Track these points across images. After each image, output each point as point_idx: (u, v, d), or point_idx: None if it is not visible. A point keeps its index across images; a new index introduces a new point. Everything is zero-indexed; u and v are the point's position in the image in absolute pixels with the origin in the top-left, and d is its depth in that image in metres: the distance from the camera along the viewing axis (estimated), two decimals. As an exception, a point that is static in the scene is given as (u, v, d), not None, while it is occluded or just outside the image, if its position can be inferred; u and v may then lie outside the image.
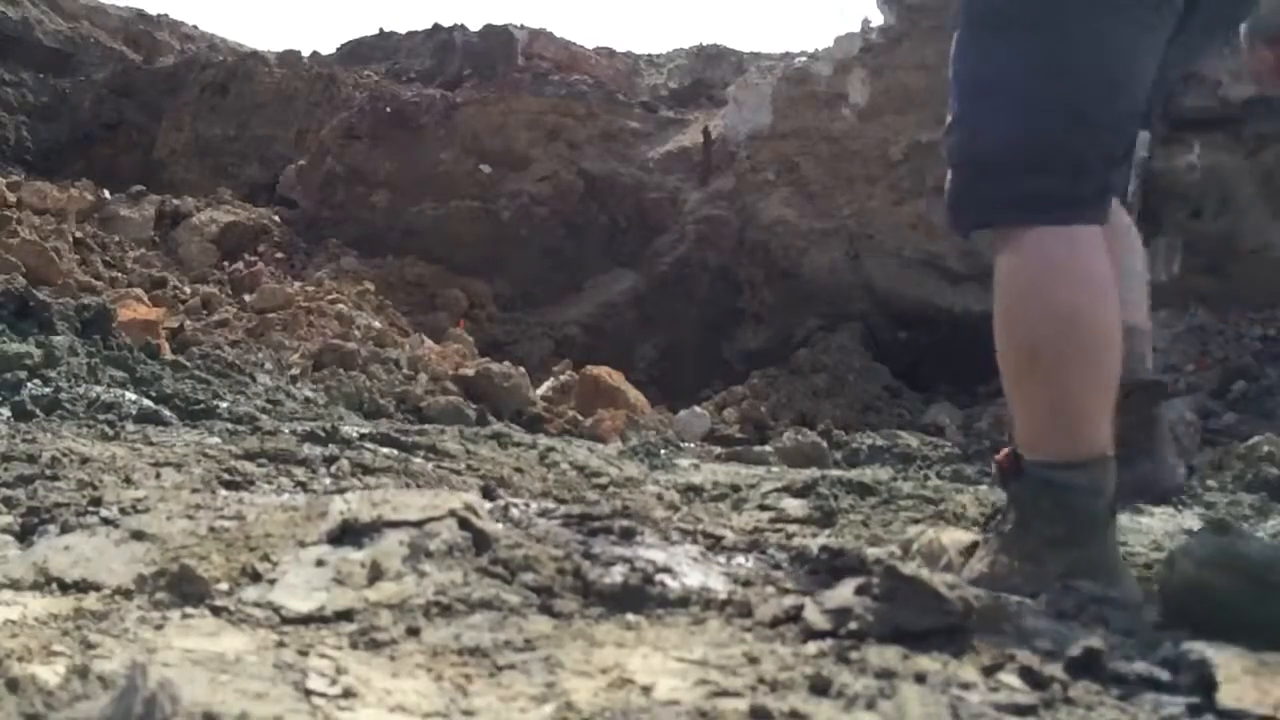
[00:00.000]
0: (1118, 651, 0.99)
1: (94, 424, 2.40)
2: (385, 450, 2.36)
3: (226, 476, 1.87)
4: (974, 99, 1.66)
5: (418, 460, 2.38)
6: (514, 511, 1.47)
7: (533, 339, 7.33)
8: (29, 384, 2.67)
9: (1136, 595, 1.36)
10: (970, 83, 1.68)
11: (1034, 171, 1.53)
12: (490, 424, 4.24)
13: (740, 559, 1.42)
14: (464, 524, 1.27)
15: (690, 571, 1.24)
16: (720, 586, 1.20)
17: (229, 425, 2.63)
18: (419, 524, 1.27)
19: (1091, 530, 1.45)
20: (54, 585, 1.18)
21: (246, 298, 6.27)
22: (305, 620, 1.08)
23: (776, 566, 1.40)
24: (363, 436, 2.38)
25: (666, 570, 1.21)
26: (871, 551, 1.47)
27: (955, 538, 1.70)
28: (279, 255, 7.62)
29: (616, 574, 1.18)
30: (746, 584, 1.22)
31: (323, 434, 2.33)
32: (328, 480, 2.02)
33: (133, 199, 7.81)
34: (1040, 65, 1.55)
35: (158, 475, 1.81)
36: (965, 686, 0.91)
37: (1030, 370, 1.49)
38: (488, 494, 2.01)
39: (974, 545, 1.60)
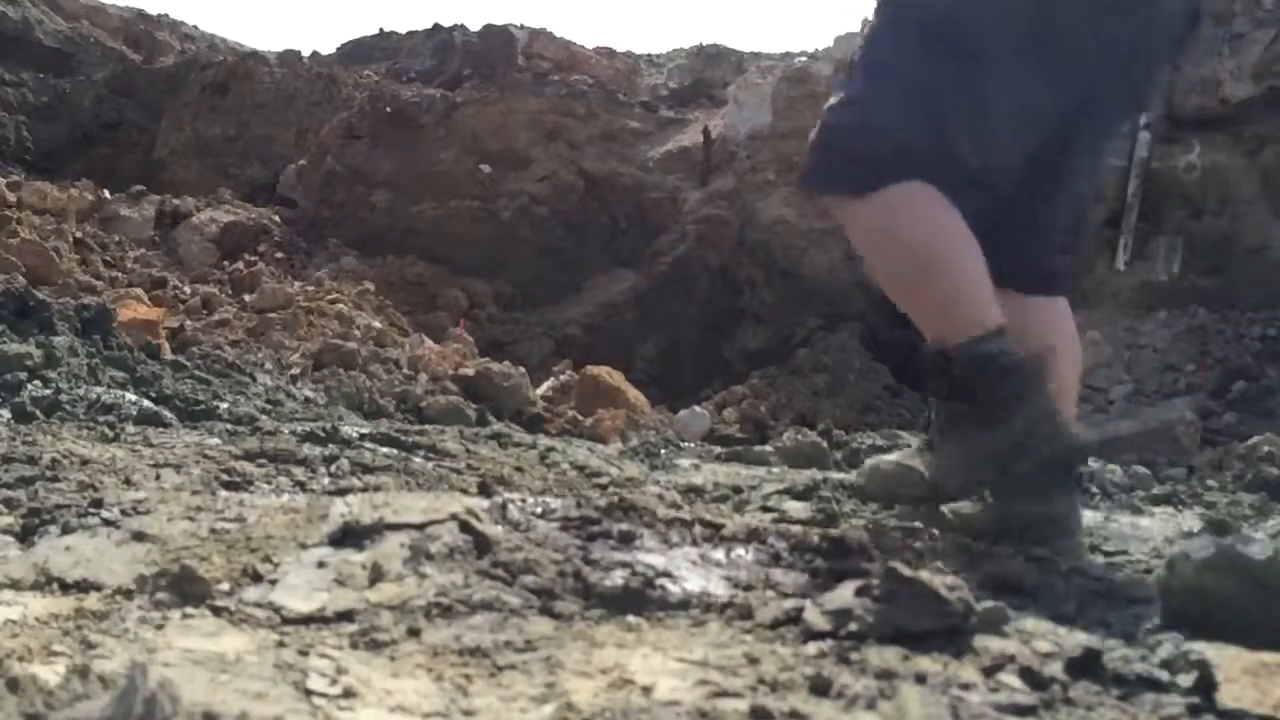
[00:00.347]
0: (1118, 652, 0.99)
1: (94, 425, 2.40)
2: (385, 450, 2.36)
3: (226, 477, 1.87)
4: (885, 94, 1.79)
5: (418, 460, 2.38)
6: (513, 513, 1.47)
7: (533, 339, 7.33)
8: (29, 385, 2.66)
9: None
10: (887, 76, 1.81)
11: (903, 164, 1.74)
12: (490, 424, 4.25)
13: (740, 551, 1.42)
14: (465, 527, 1.27)
15: (690, 575, 1.24)
16: (720, 590, 1.20)
17: (229, 426, 2.63)
18: (420, 526, 1.27)
19: (1038, 380, 1.70)
20: (55, 585, 1.18)
21: (246, 298, 6.28)
22: (306, 620, 1.08)
23: (776, 557, 1.40)
24: (363, 436, 2.38)
25: (666, 574, 1.21)
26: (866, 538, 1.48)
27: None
28: (279, 255, 7.63)
29: (617, 577, 1.18)
30: (747, 587, 1.22)
31: (322, 434, 2.33)
32: (327, 480, 2.02)
33: (133, 199, 7.82)
34: (962, 98, 1.72)
35: (158, 476, 1.81)
36: (965, 687, 0.91)
37: (925, 272, 1.74)
38: (485, 491, 2.01)
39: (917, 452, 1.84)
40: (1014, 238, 1.88)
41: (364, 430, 2.48)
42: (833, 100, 1.87)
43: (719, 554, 1.39)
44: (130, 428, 2.43)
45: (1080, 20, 1.72)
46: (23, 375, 2.75)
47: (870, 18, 1.94)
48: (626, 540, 1.36)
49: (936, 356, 1.74)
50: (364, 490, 1.87)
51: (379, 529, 1.27)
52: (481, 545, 1.25)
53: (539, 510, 1.50)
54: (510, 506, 1.51)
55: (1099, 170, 2.13)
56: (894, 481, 2.05)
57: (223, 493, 1.71)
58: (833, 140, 1.86)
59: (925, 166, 1.74)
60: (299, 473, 2.02)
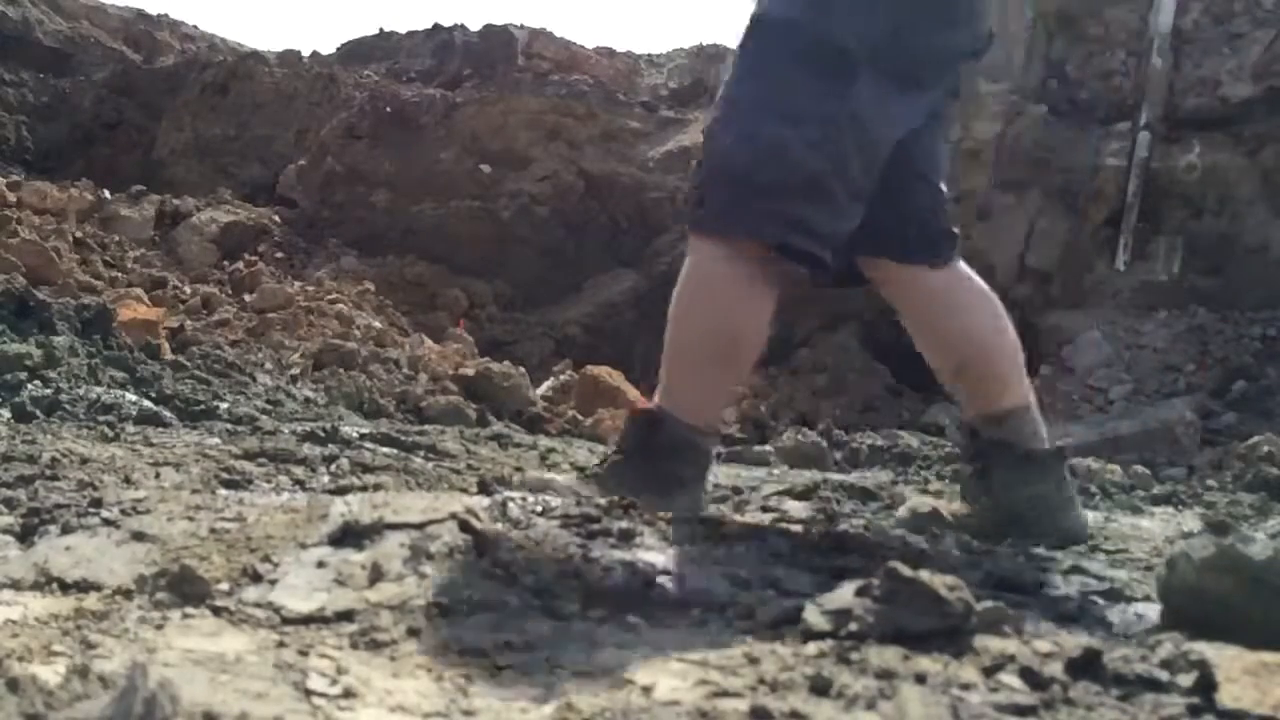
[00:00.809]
0: (1118, 652, 0.99)
1: (94, 425, 2.40)
2: (385, 450, 2.35)
3: (226, 476, 1.87)
4: (766, 123, 1.79)
5: (418, 460, 2.37)
6: (513, 511, 1.47)
7: (533, 339, 7.33)
8: (29, 385, 2.66)
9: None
10: (736, 105, 1.84)
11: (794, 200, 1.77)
12: (490, 424, 4.24)
13: (740, 549, 1.42)
14: (465, 526, 1.27)
15: (690, 573, 1.24)
16: (721, 589, 1.20)
17: (229, 426, 2.63)
18: (420, 526, 1.27)
19: (703, 477, 1.90)
20: (54, 585, 1.18)
21: (246, 298, 6.27)
22: (306, 620, 1.08)
23: (777, 555, 1.40)
24: (363, 436, 2.37)
25: (666, 573, 1.21)
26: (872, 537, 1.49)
27: None
28: (279, 255, 7.63)
29: (617, 576, 1.18)
30: (746, 585, 1.22)
31: (323, 434, 2.32)
32: (327, 479, 2.02)
33: (133, 199, 7.82)
34: (846, 120, 1.78)
35: (158, 475, 1.81)
36: (965, 687, 0.91)
37: (723, 359, 1.85)
38: (485, 489, 2.01)
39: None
40: (883, 215, 1.91)
41: (364, 430, 2.47)
42: (712, 130, 1.85)
43: (719, 552, 1.39)
44: (130, 427, 2.43)
45: (927, 35, 1.84)
46: (23, 375, 2.75)
47: (737, 59, 1.90)
48: (626, 538, 1.36)
49: (650, 415, 1.85)
50: (364, 490, 1.87)
51: (379, 528, 1.27)
52: (481, 545, 1.25)
53: (539, 509, 1.50)
54: (510, 505, 1.51)
55: (942, 148, 2.16)
56: None
57: (222, 492, 1.71)
58: (708, 171, 1.85)
59: (824, 194, 1.78)
60: (299, 472, 2.02)
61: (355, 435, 2.39)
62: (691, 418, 1.84)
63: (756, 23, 1.85)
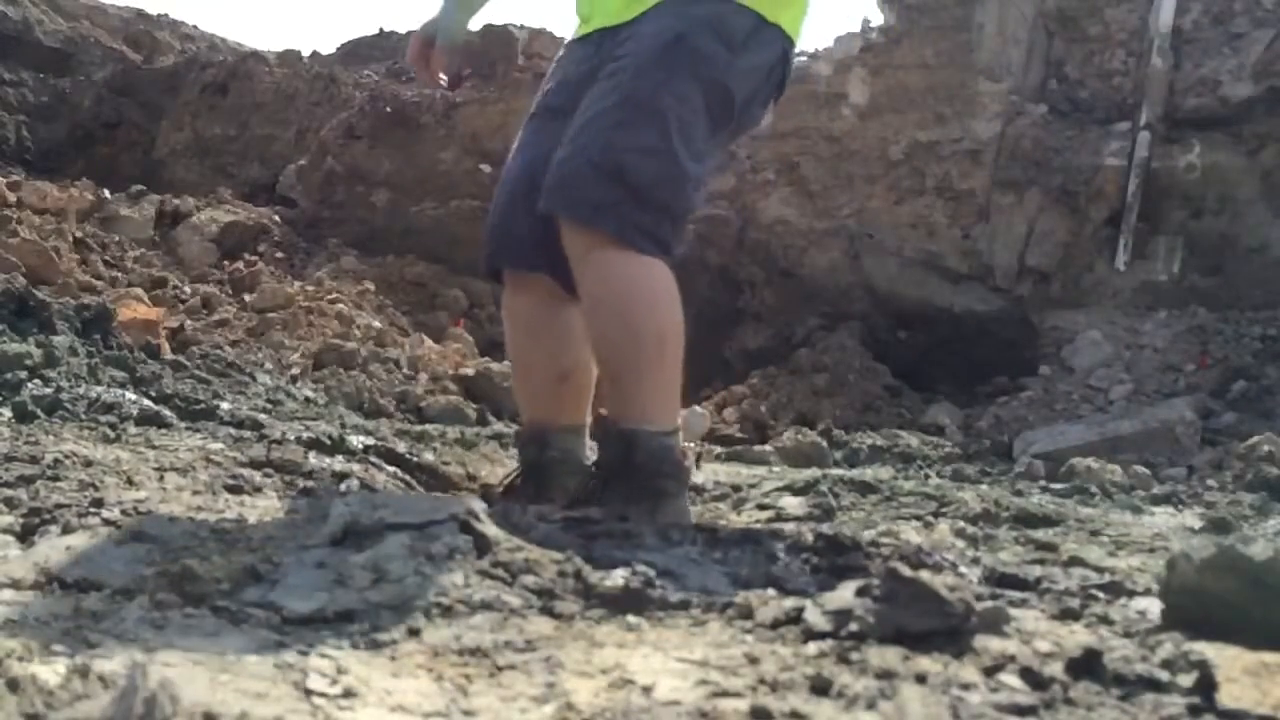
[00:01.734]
0: (1118, 652, 0.99)
1: (95, 426, 2.39)
2: (390, 469, 2.35)
3: (229, 480, 1.87)
4: (685, 158, 1.94)
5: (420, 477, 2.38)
6: (513, 513, 1.47)
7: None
8: (30, 384, 2.66)
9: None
10: (687, 138, 1.95)
11: (667, 215, 1.95)
12: (490, 424, 4.24)
13: (737, 552, 1.42)
14: (465, 527, 1.27)
15: (691, 574, 1.24)
16: (722, 589, 1.20)
17: (231, 431, 2.63)
18: (420, 527, 1.27)
19: (687, 482, 1.96)
20: (55, 585, 1.18)
21: (246, 297, 6.27)
22: (306, 620, 1.08)
23: (774, 558, 1.40)
24: (367, 449, 2.37)
25: (667, 574, 1.21)
26: (867, 534, 1.49)
27: None
28: (279, 255, 7.62)
29: (618, 577, 1.18)
30: (747, 585, 1.22)
31: (328, 441, 2.32)
32: (329, 480, 2.02)
33: (133, 199, 7.81)
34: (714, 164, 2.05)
35: (160, 478, 1.81)
36: (966, 687, 0.91)
37: (662, 354, 1.90)
38: (486, 497, 2.01)
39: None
40: None
41: (368, 443, 2.46)
42: (622, 138, 1.89)
43: (719, 553, 1.39)
44: (132, 428, 2.43)
45: (757, 110, 2.12)
46: (23, 374, 2.74)
47: (652, 63, 1.94)
48: (626, 539, 1.36)
49: (623, 435, 1.87)
50: (364, 490, 1.87)
51: (379, 529, 1.27)
52: (482, 545, 1.25)
53: (539, 512, 1.50)
54: (511, 508, 1.51)
55: None
56: None
57: (224, 495, 1.71)
58: (640, 186, 1.90)
59: (681, 226, 1.99)
60: (302, 483, 2.02)
61: (359, 447, 2.38)
62: (662, 423, 1.89)
63: (678, 40, 1.93)
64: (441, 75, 2.40)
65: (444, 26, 2.36)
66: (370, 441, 2.40)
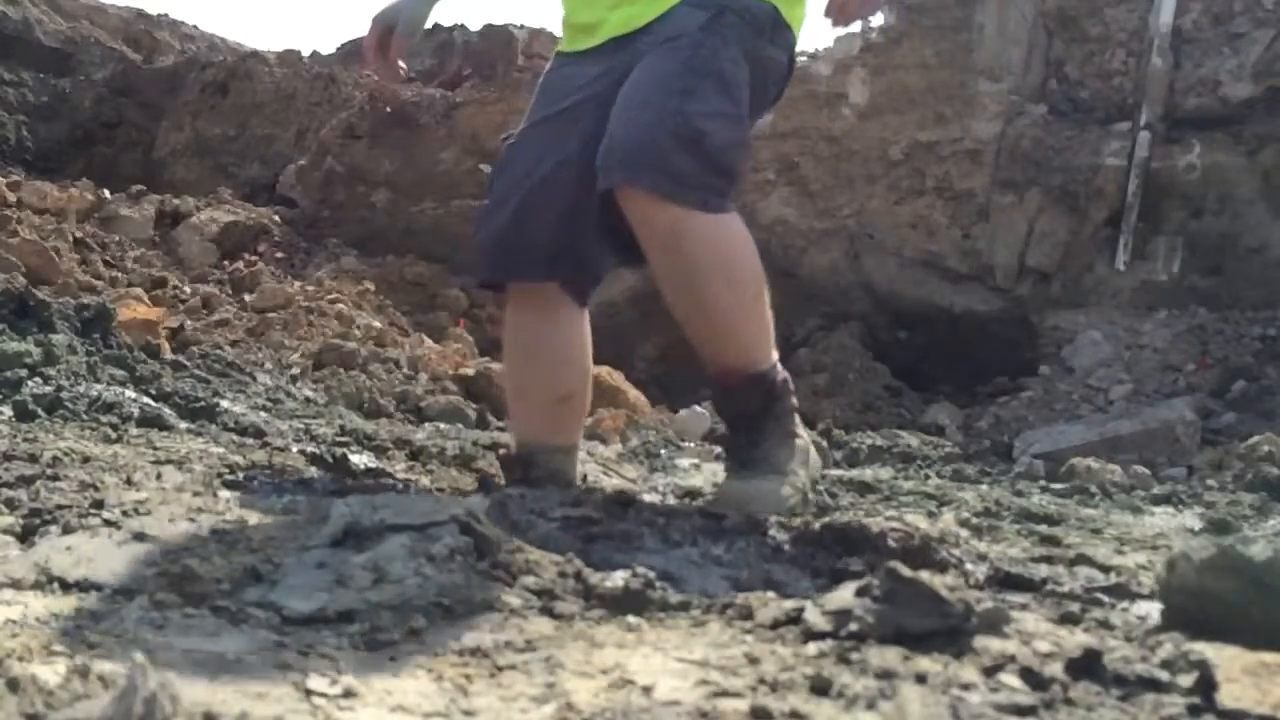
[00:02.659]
0: (1118, 652, 0.99)
1: (96, 425, 2.39)
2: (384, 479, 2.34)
3: (229, 476, 1.87)
4: (740, 119, 1.98)
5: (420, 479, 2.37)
6: (512, 512, 1.47)
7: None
8: (29, 382, 2.66)
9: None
10: (738, 102, 1.98)
11: (733, 179, 2.02)
12: (490, 424, 4.24)
13: (742, 544, 1.42)
14: (465, 528, 1.27)
15: (691, 576, 1.24)
16: (721, 591, 1.20)
17: (234, 436, 2.63)
18: (421, 528, 1.27)
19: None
20: (55, 585, 1.18)
21: (246, 297, 6.27)
22: (306, 621, 1.08)
23: (778, 552, 1.40)
24: (369, 471, 2.35)
25: (667, 576, 1.21)
26: (872, 522, 1.50)
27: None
28: (279, 255, 7.62)
29: (618, 578, 1.18)
30: (748, 589, 1.22)
31: (330, 460, 2.31)
32: (329, 480, 2.02)
33: (133, 199, 7.81)
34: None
35: (159, 476, 1.81)
36: (966, 687, 0.91)
37: (759, 297, 1.98)
38: (485, 488, 2.00)
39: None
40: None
41: (370, 465, 2.45)
42: (695, 105, 1.89)
43: (720, 552, 1.39)
44: (133, 429, 2.43)
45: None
46: (22, 373, 2.74)
47: (702, 32, 1.95)
48: (627, 540, 1.36)
49: (758, 379, 1.94)
50: (365, 491, 1.87)
51: (380, 530, 1.27)
52: (482, 546, 1.25)
53: (538, 510, 1.50)
54: (510, 505, 1.51)
55: None
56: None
57: (223, 492, 1.71)
58: (715, 152, 1.91)
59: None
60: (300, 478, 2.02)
61: (362, 467, 2.36)
62: (774, 358, 2.00)
63: (721, 13, 1.95)
64: (401, 64, 2.33)
65: (406, 14, 2.28)
66: (371, 464, 2.38)
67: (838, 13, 2.09)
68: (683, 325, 2.03)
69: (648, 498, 2.57)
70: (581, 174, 2.03)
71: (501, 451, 2.31)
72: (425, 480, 2.37)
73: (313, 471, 2.13)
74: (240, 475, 1.88)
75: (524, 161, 2.14)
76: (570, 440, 2.17)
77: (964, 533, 2.05)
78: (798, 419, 2.06)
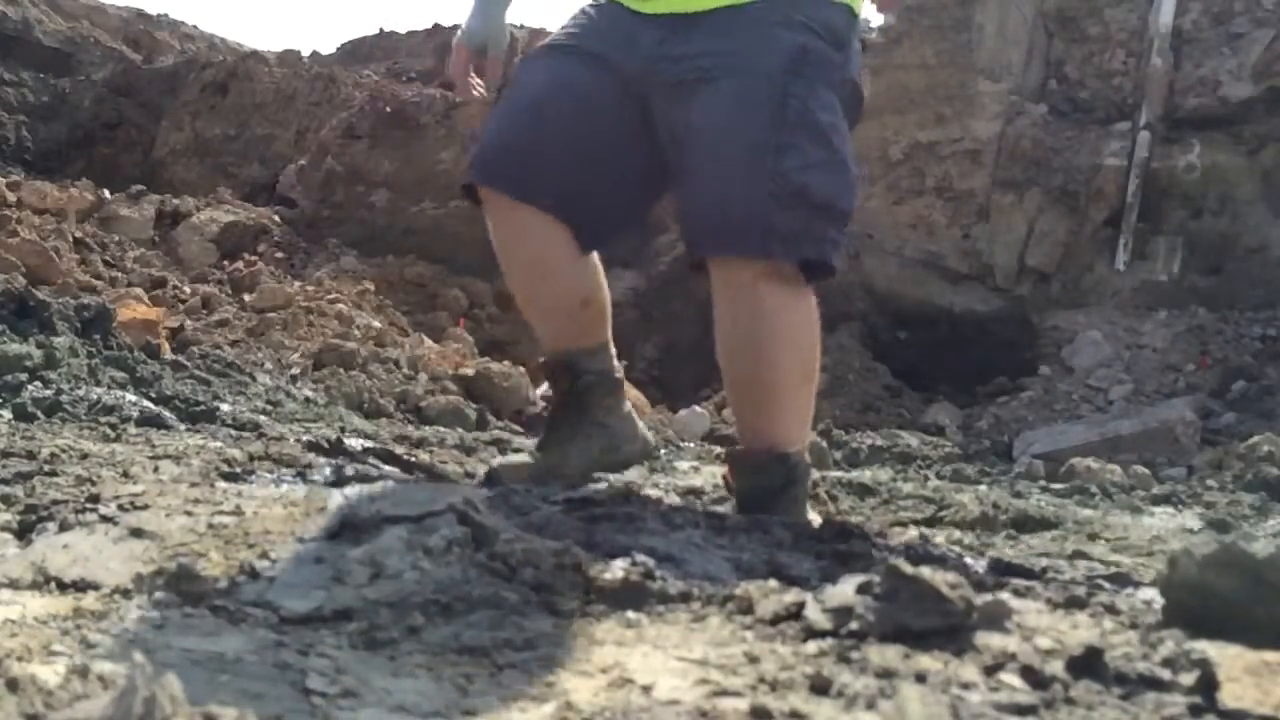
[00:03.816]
0: (1119, 650, 0.99)
1: (96, 426, 2.39)
2: (388, 468, 2.34)
3: (225, 468, 1.86)
4: (828, 151, 1.89)
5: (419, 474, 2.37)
6: (515, 498, 1.47)
7: (533, 339, 7.30)
8: (30, 386, 2.66)
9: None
10: (833, 139, 1.90)
11: (846, 222, 1.96)
12: (490, 424, 4.24)
13: (743, 538, 1.42)
14: (463, 519, 1.26)
15: (693, 559, 1.24)
16: (723, 575, 1.20)
17: (232, 432, 2.63)
18: (418, 519, 1.27)
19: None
20: (53, 584, 1.18)
21: (246, 297, 6.27)
22: (305, 620, 1.08)
23: (780, 545, 1.40)
24: (366, 450, 2.36)
25: (669, 559, 1.21)
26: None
27: None
28: (279, 255, 7.62)
29: (618, 569, 1.17)
30: (750, 573, 1.22)
31: (326, 445, 2.31)
32: (328, 471, 2.02)
33: (133, 199, 7.81)
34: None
35: (156, 470, 1.80)
36: (966, 686, 0.90)
37: (811, 380, 2.01)
38: (491, 481, 2.00)
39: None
40: None
41: (369, 445, 2.46)
42: (790, 160, 1.83)
43: (723, 538, 1.39)
44: (132, 429, 2.43)
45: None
46: (23, 376, 2.74)
47: (787, 77, 1.88)
48: (629, 523, 1.36)
49: (784, 459, 1.92)
50: (362, 481, 1.86)
51: (377, 522, 1.27)
52: (480, 537, 1.24)
53: (541, 494, 1.49)
54: (513, 491, 1.51)
55: None
56: None
57: (220, 484, 1.71)
58: (821, 203, 1.86)
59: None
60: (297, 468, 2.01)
61: (359, 448, 2.36)
62: (804, 444, 1.99)
63: (803, 52, 1.88)
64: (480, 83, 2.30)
65: (495, 34, 2.27)
66: (371, 445, 2.39)
67: None
68: (731, 388, 2.03)
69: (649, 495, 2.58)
70: (612, 119, 1.99)
71: (541, 360, 2.27)
72: (425, 457, 2.37)
73: (311, 457, 2.12)
74: (238, 468, 1.87)
75: (543, 77, 2.07)
76: (601, 339, 2.14)
77: (962, 536, 2.05)
78: (808, 504, 2.04)
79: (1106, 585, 1.26)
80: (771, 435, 1.93)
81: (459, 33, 2.33)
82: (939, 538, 2.28)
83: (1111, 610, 1.11)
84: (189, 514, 1.42)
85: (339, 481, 1.72)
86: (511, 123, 2.10)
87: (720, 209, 1.85)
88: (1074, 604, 1.13)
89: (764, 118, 1.84)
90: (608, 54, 2.01)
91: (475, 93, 2.29)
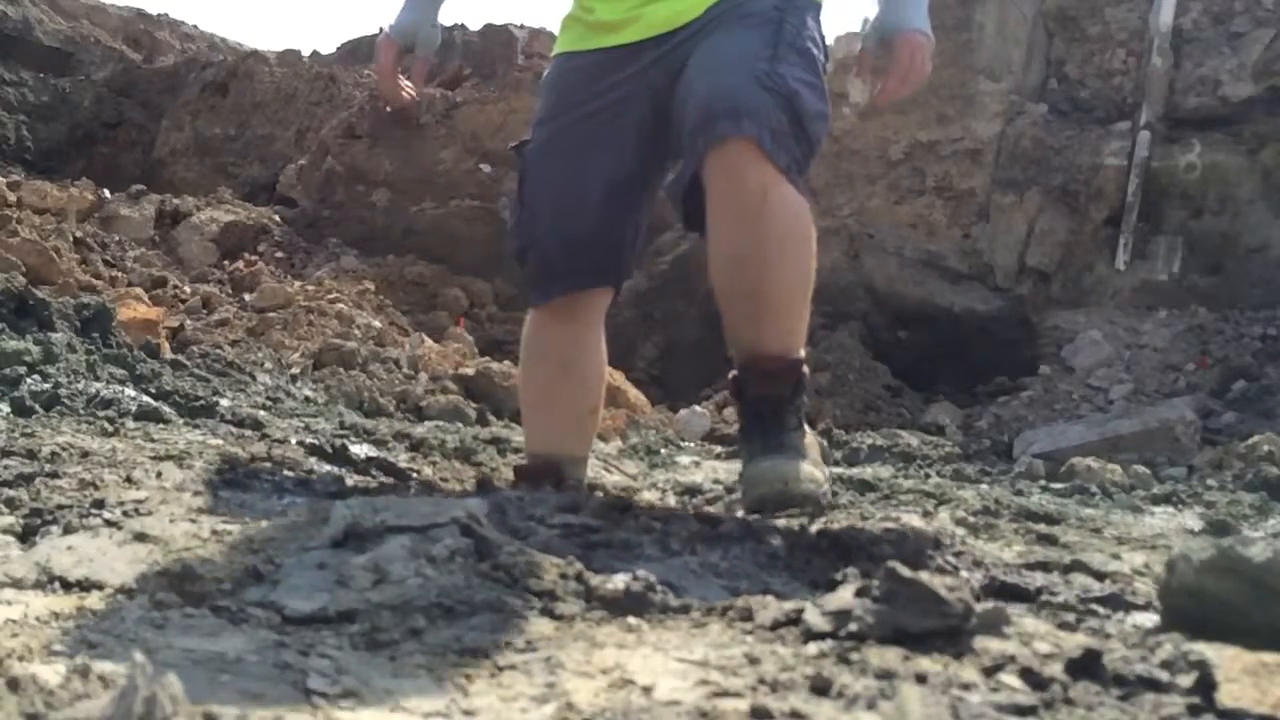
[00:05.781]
0: (1118, 652, 0.99)
1: (94, 421, 2.39)
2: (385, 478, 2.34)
3: (229, 474, 1.86)
4: (816, 77, 1.96)
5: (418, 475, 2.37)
6: (512, 518, 1.47)
7: (533, 338, 7.30)
8: (28, 380, 2.66)
9: None
10: (819, 70, 1.98)
11: (812, 153, 2.00)
12: (490, 424, 4.24)
13: (737, 551, 1.42)
14: (466, 530, 1.27)
15: (690, 586, 1.25)
16: (721, 600, 1.20)
17: (233, 429, 2.63)
18: (422, 529, 1.27)
19: None
20: (56, 584, 1.18)
21: (246, 297, 6.27)
22: (307, 621, 1.08)
23: (774, 556, 1.40)
24: (369, 460, 2.36)
25: (666, 584, 1.21)
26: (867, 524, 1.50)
27: None
28: (279, 255, 7.62)
29: (619, 580, 1.18)
30: (747, 594, 1.22)
31: (330, 450, 2.31)
32: (330, 480, 2.02)
33: (133, 198, 7.81)
34: None
35: (159, 474, 1.81)
36: (966, 687, 0.91)
37: (809, 285, 1.94)
38: (484, 488, 2.00)
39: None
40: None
41: (372, 454, 2.46)
42: (784, 68, 1.86)
43: (717, 559, 1.39)
44: (130, 423, 2.43)
45: None
46: (21, 370, 2.74)
47: (779, 11, 1.95)
48: (626, 549, 1.36)
49: (795, 366, 1.91)
50: (366, 492, 1.86)
51: (380, 531, 1.27)
52: (483, 548, 1.25)
53: (538, 516, 1.50)
54: (509, 510, 1.51)
55: None
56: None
57: (224, 492, 1.71)
58: (804, 116, 1.88)
59: None
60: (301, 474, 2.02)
61: (362, 456, 2.37)
62: (803, 352, 1.95)
63: (791, 4, 1.95)
64: (410, 86, 2.27)
65: (425, 34, 2.22)
66: (372, 453, 2.40)
67: (898, 87, 2.12)
68: (731, 298, 1.93)
69: (647, 495, 2.58)
70: (641, 164, 2.04)
71: (520, 464, 2.28)
72: (428, 470, 2.37)
73: (313, 465, 2.12)
74: (240, 472, 1.87)
75: (560, 168, 2.07)
76: (588, 450, 2.21)
77: (960, 532, 2.05)
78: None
79: (1100, 609, 1.26)
80: (776, 342, 1.89)
81: (387, 26, 2.25)
82: (944, 514, 2.29)
83: (1109, 620, 1.11)
84: (192, 520, 1.42)
85: (341, 492, 1.72)
86: (534, 230, 2.13)
87: (720, 94, 1.83)
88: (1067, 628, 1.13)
89: (760, 35, 1.90)
90: (602, 100, 2.05)
91: (405, 95, 2.24)
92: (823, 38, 2.04)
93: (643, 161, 2.08)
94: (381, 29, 2.26)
